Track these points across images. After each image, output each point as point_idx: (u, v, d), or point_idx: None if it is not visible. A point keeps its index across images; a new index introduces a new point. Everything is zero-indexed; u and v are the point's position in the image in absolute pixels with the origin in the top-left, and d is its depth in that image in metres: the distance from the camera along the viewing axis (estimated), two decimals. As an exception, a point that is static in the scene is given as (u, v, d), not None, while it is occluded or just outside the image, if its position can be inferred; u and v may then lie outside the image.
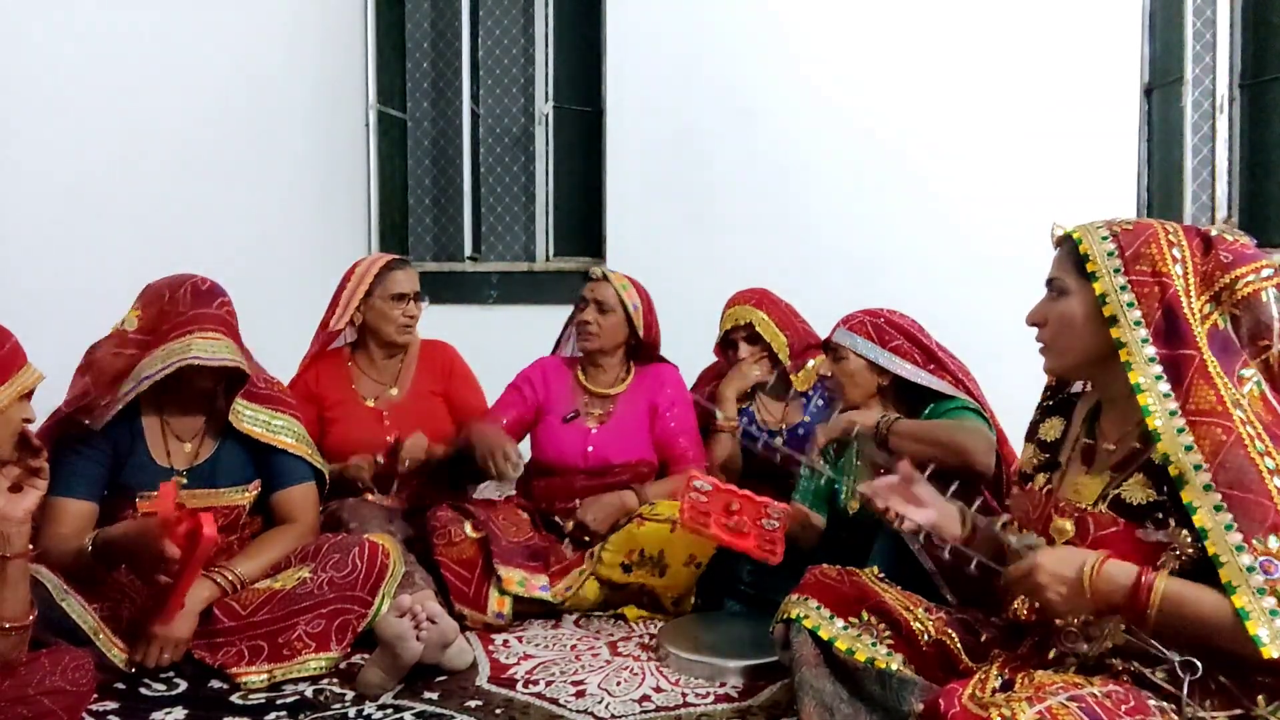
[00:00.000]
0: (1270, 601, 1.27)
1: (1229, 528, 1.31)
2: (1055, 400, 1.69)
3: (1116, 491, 1.47)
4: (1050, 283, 1.56)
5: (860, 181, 4.23)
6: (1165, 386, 1.40)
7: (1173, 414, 1.39)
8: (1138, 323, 1.43)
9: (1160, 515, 1.40)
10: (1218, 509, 1.33)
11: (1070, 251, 1.52)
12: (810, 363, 2.93)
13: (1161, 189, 4.16)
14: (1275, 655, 1.26)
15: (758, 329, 2.94)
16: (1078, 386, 1.68)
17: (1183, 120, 4.03)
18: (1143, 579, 1.35)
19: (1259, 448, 1.35)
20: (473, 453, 2.56)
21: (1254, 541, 1.30)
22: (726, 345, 3.06)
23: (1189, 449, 1.36)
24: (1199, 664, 1.31)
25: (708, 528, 2.19)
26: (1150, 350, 1.42)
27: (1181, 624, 1.34)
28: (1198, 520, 1.34)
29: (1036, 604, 1.46)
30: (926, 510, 1.64)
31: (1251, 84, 4.05)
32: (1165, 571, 1.36)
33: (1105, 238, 1.48)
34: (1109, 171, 4.08)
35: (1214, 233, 1.48)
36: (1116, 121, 4.09)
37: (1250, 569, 1.29)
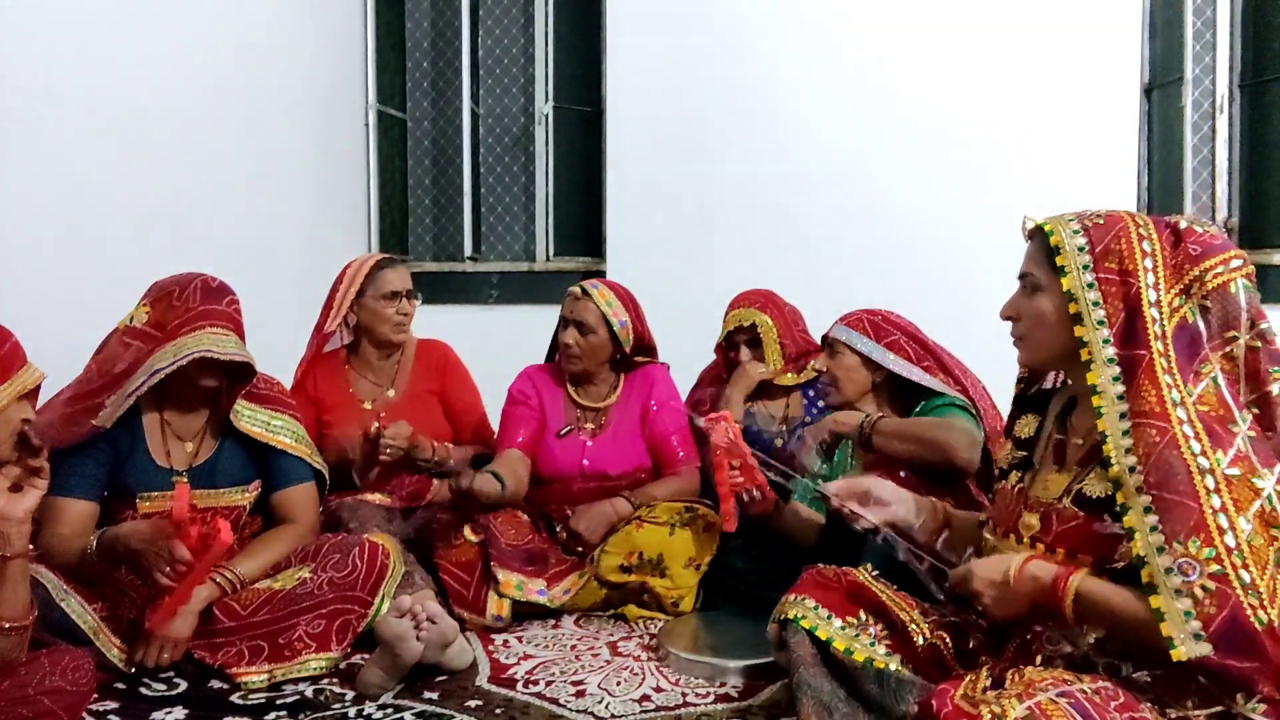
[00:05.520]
0: (1186, 603, 1.27)
1: (1154, 529, 1.32)
2: (1029, 396, 1.70)
3: (1079, 486, 1.49)
4: (1023, 277, 1.56)
5: (859, 180, 4.23)
6: (1120, 388, 1.41)
7: (1123, 416, 1.39)
8: (1101, 322, 1.43)
9: (1117, 508, 1.41)
10: (1147, 510, 1.33)
11: (1042, 245, 1.51)
12: (811, 363, 2.93)
13: (1161, 189, 4.16)
14: (1185, 658, 1.26)
15: (760, 334, 2.93)
16: (1049, 381, 1.70)
17: (1183, 120, 4.03)
18: (1059, 578, 1.40)
19: (1194, 448, 1.34)
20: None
21: (1174, 544, 1.30)
22: (728, 346, 3.05)
23: (1127, 451, 1.37)
24: (1120, 665, 1.37)
25: (718, 460, 2.24)
26: (1110, 351, 1.42)
27: (1098, 620, 1.39)
28: (1128, 521, 1.34)
29: (980, 608, 1.52)
30: (885, 509, 1.71)
31: (1251, 84, 4.05)
32: (1084, 570, 1.40)
33: (1077, 231, 1.47)
34: (1109, 171, 4.07)
35: (1183, 225, 1.47)
36: (1116, 121, 4.09)
37: (1169, 570, 1.29)
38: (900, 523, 1.69)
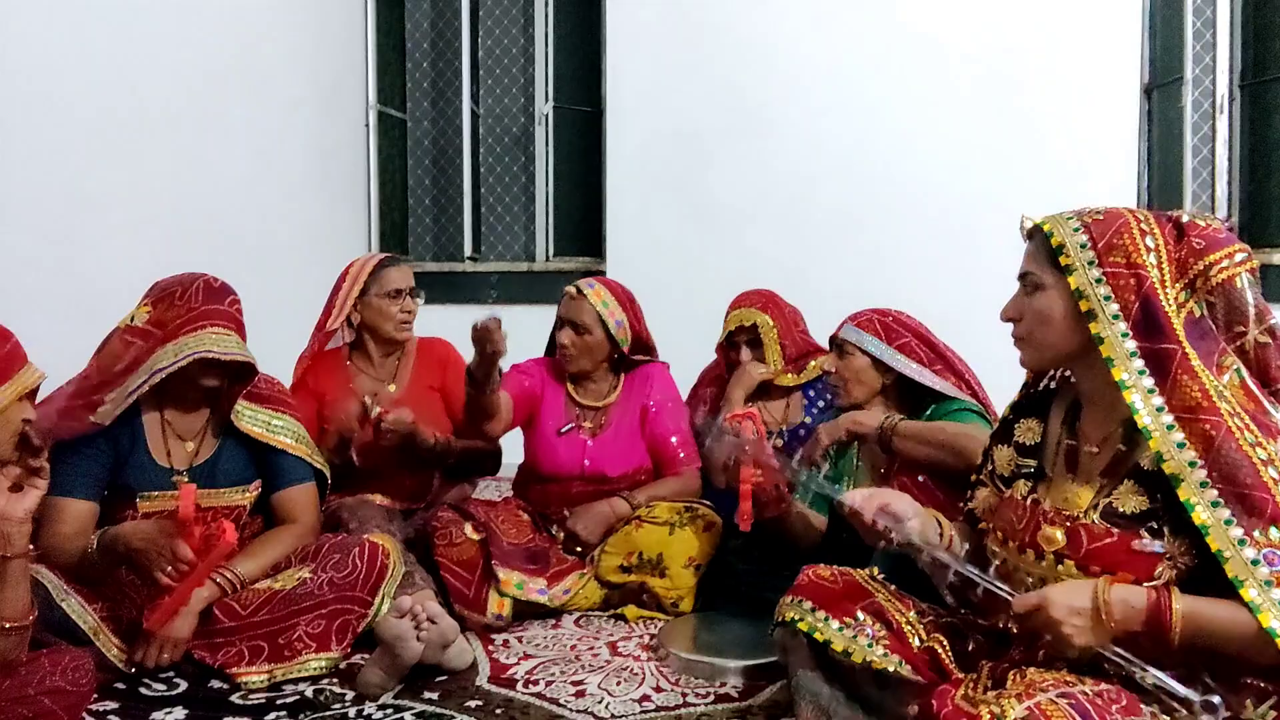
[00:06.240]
0: (1279, 593, 1.26)
1: (1229, 523, 1.29)
2: (1027, 400, 1.66)
3: (1108, 500, 1.44)
4: (1023, 277, 1.52)
5: (860, 181, 4.23)
6: (1149, 382, 1.38)
7: (1160, 410, 1.36)
8: (1116, 316, 1.40)
9: (1155, 525, 1.38)
10: (1215, 505, 1.30)
11: (1042, 244, 1.48)
12: (812, 363, 2.92)
13: (1161, 189, 4.16)
14: None
15: (761, 335, 2.92)
16: (1044, 383, 1.66)
17: (1183, 120, 4.03)
18: (1159, 601, 1.32)
19: (1249, 439, 1.32)
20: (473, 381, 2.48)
21: (1255, 534, 1.28)
22: (729, 346, 3.04)
23: (1181, 446, 1.34)
24: (1218, 702, 1.27)
25: (743, 459, 2.16)
26: (1131, 344, 1.39)
27: (1204, 639, 1.32)
28: (1196, 518, 1.31)
29: (1049, 639, 1.40)
30: (903, 525, 1.58)
31: (1251, 84, 4.05)
32: (1175, 590, 1.34)
33: (1077, 229, 1.44)
34: (1109, 171, 4.07)
35: (1185, 219, 1.45)
36: (1116, 121, 4.09)
37: (1255, 562, 1.27)
38: (917, 539, 1.58)
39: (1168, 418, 1.36)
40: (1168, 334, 1.39)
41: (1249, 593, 1.26)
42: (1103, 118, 4.07)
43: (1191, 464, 1.33)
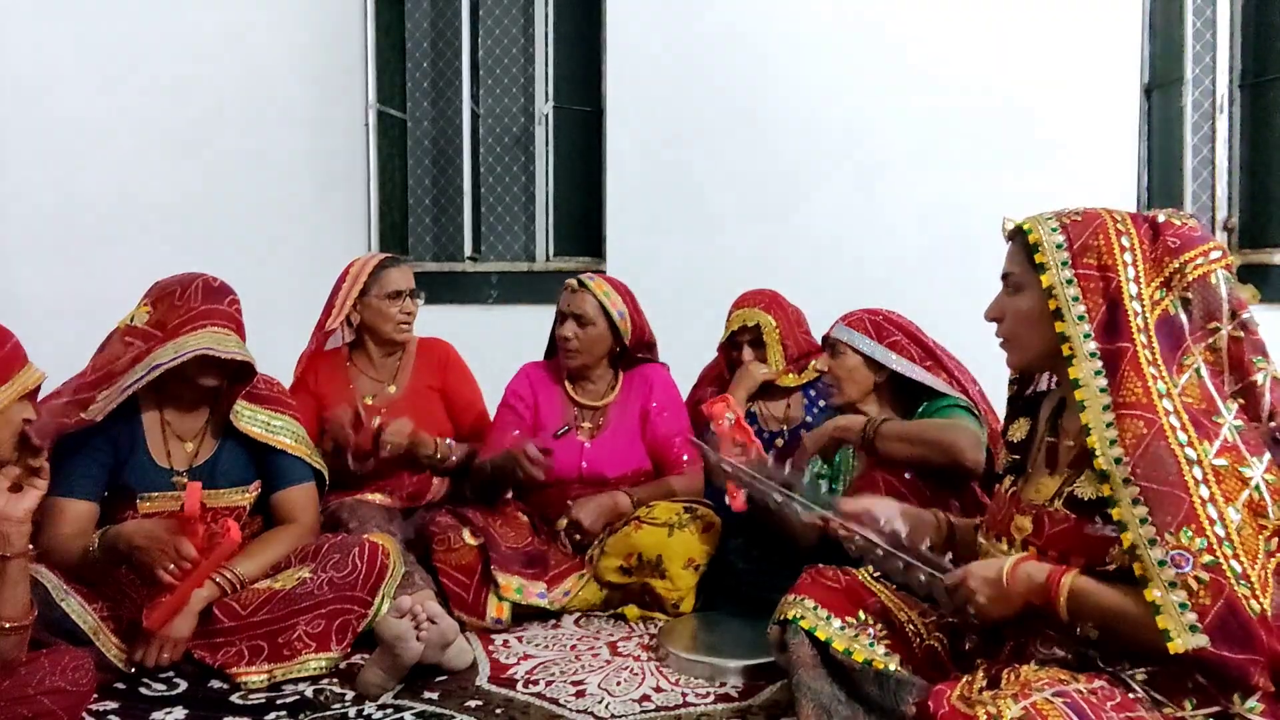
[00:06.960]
0: (1180, 595, 1.27)
1: (1144, 521, 1.32)
2: (1022, 400, 1.71)
3: (1070, 489, 1.48)
4: (1005, 277, 1.57)
5: (859, 181, 4.23)
6: (1103, 381, 1.41)
7: (1106, 408, 1.39)
8: (1081, 317, 1.43)
9: (1109, 510, 1.40)
10: (1136, 502, 1.33)
11: (1022, 245, 1.52)
12: (812, 363, 2.93)
13: (1161, 189, 4.15)
14: (1182, 650, 1.26)
15: (764, 335, 2.92)
16: (1043, 384, 1.71)
17: (1183, 120, 4.03)
18: (1053, 575, 1.40)
19: (1181, 439, 1.35)
20: (505, 477, 2.58)
21: (1167, 535, 1.30)
22: (730, 346, 3.04)
23: (1113, 443, 1.37)
24: (1096, 656, 1.37)
25: (723, 437, 2.19)
26: (1092, 345, 1.43)
27: (1092, 617, 1.39)
28: (1116, 513, 1.34)
29: (973, 612, 1.52)
30: (897, 524, 1.66)
31: (1251, 84, 4.05)
32: (1076, 570, 1.40)
33: (1055, 229, 1.48)
34: (1109, 171, 4.07)
35: (1161, 218, 1.48)
36: (1116, 121, 4.09)
37: (1162, 562, 1.29)
38: (901, 538, 1.65)
39: (1110, 415, 1.39)
40: (1124, 334, 1.41)
41: (1153, 592, 1.29)
42: (1103, 118, 4.07)
43: (1118, 460, 1.36)
